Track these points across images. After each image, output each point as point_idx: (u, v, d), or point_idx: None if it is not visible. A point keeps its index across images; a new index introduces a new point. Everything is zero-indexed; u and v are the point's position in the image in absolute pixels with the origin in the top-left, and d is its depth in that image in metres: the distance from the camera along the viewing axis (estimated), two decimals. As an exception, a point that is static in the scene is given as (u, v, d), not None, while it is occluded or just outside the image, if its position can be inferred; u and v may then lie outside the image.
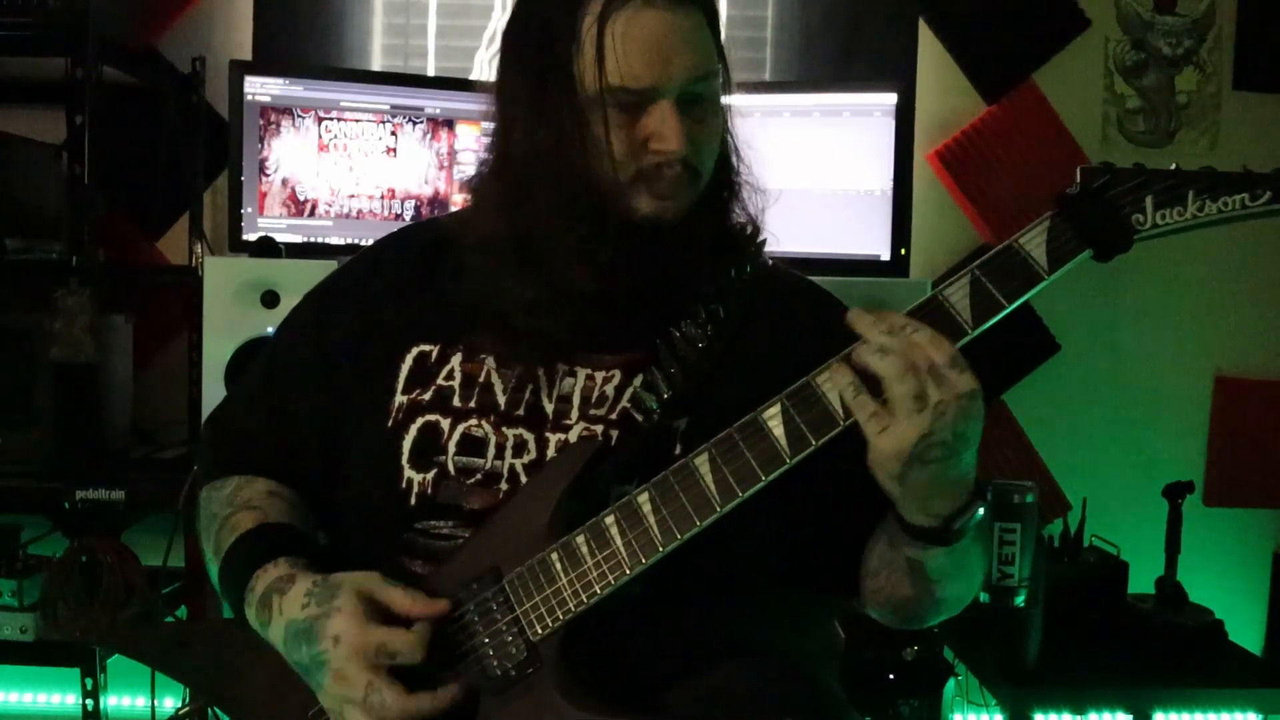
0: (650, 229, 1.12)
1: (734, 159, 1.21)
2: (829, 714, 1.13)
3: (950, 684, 2.26)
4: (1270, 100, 2.75)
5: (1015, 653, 2.07)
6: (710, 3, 1.14)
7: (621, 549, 1.02)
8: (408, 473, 1.13)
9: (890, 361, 0.93)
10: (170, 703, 2.37)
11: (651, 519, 1.02)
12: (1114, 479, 2.54)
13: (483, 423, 1.14)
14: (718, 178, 1.18)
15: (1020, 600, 2.09)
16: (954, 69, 2.74)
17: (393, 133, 2.31)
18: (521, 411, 1.14)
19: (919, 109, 2.48)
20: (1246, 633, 2.65)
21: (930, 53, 2.73)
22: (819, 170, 2.30)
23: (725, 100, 1.19)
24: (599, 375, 1.15)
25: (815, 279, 1.33)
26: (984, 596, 2.14)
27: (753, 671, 1.09)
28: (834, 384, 0.96)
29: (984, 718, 2.50)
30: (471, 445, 1.13)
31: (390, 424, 1.16)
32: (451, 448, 1.13)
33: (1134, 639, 2.21)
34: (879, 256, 2.28)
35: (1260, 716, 2.18)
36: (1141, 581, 2.31)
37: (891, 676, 2.14)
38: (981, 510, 1.00)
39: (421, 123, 2.33)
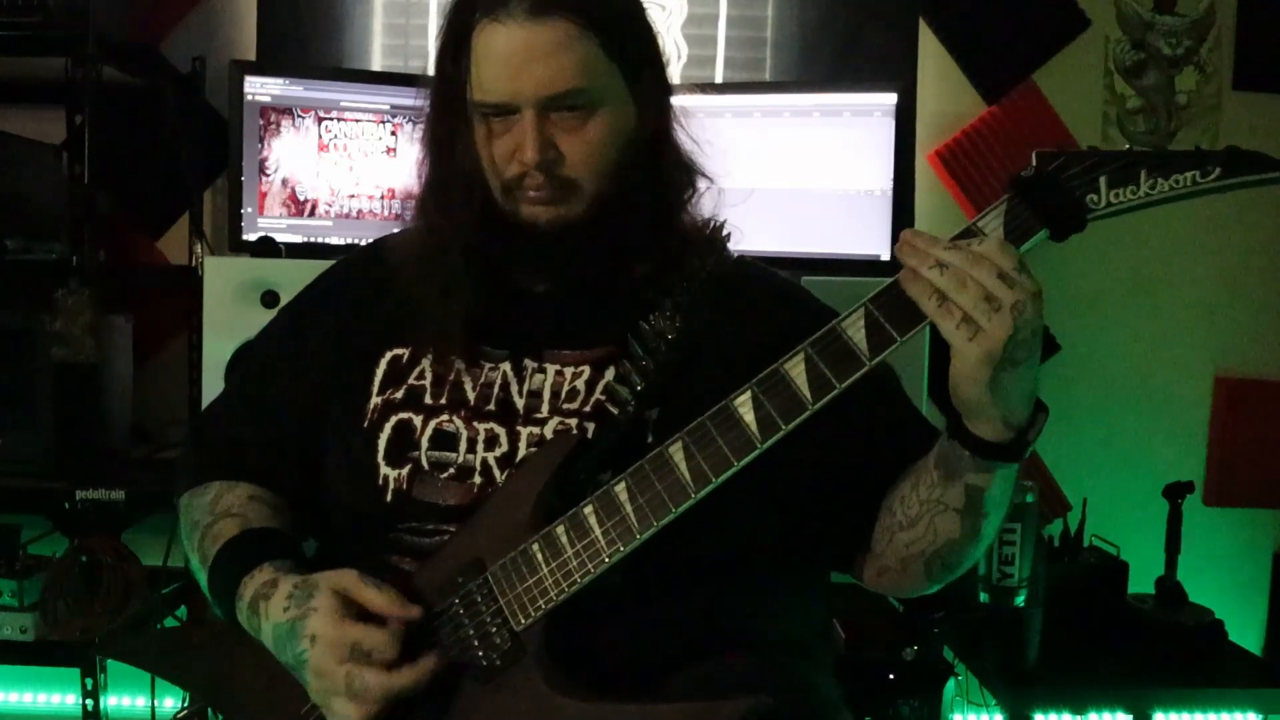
0: (548, 231, 1.15)
1: (670, 159, 1.21)
2: (811, 702, 1.13)
3: (950, 684, 2.26)
4: (1270, 100, 2.75)
5: (1015, 653, 2.07)
6: (589, 12, 1.12)
7: (600, 537, 1.05)
8: (383, 470, 1.16)
9: (950, 275, 0.95)
10: (170, 703, 2.37)
11: (628, 507, 1.04)
12: (1114, 479, 2.54)
13: (454, 418, 1.17)
14: (637, 178, 1.18)
15: (1020, 600, 2.08)
16: (954, 69, 2.74)
17: (393, 133, 2.31)
18: (492, 406, 1.17)
19: (919, 109, 2.49)
20: (1246, 633, 2.65)
21: (930, 53, 2.73)
22: (819, 170, 2.29)
23: (716, 98, 1.21)
24: (568, 371, 1.17)
25: (815, 279, 1.34)
26: (984, 596, 2.15)
27: (735, 662, 1.10)
28: (914, 294, 0.97)
29: (984, 718, 2.50)
30: (444, 440, 1.16)
31: (366, 424, 1.19)
32: (424, 443, 1.16)
33: (1134, 639, 2.21)
34: (879, 256, 2.28)
35: (1260, 716, 2.18)
36: (1141, 581, 2.31)
37: (891, 676, 2.14)
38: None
39: (421, 123, 2.32)
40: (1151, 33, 2.76)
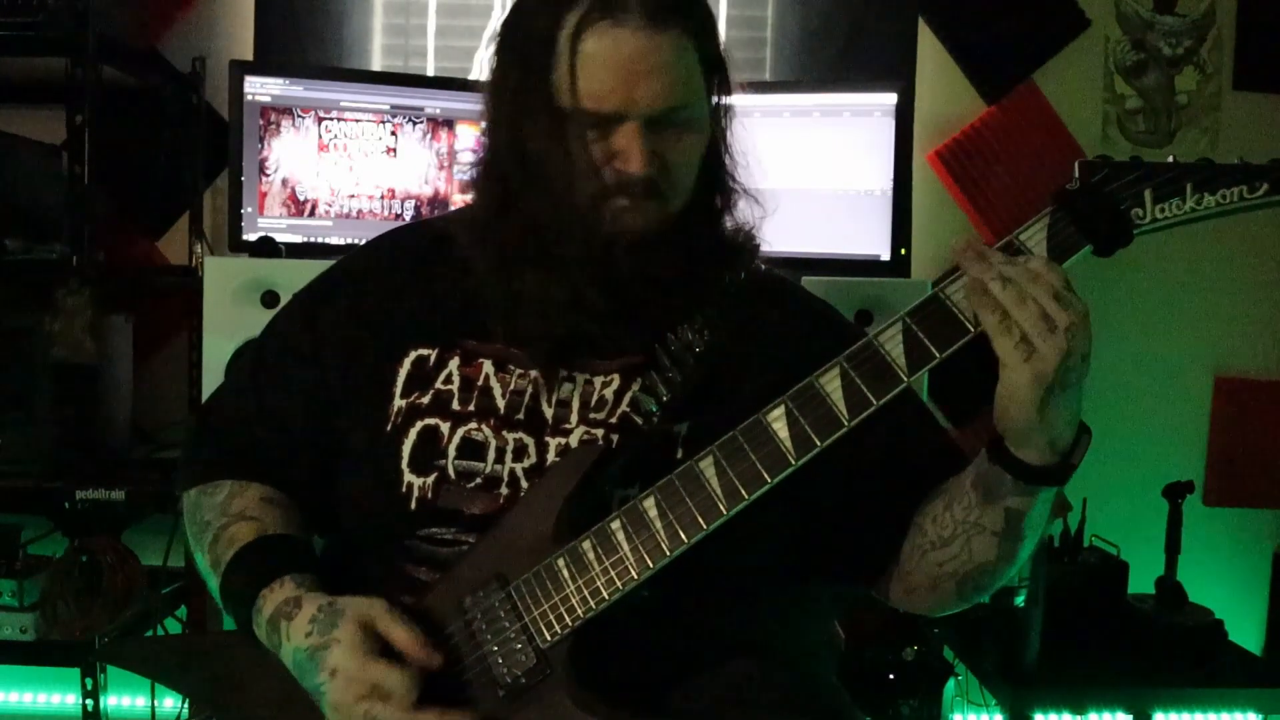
0: (632, 241, 1.11)
1: (728, 167, 1.20)
2: (837, 713, 1.13)
3: (950, 684, 2.26)
4: (1270, 100, 2.75)
5: (1015, 653, 2.08)
6: (698, 20, 1.10)
7: (629, 554, 1.02)
8: (408, 477, 1.13)
9: (1012, 291, 0.93)
10: (170, 703, 2.37)
11: (658, 523, 1.02)
12: (1114, 479, 2.53)
13: (483, 426, 1.13)
14: (706, 187, 1.17)
15: (1020, 600, 2.09)
16: (954, 69, 2.74)
17: (393, 133, 2.31)
18: (521, 415, 1.14)
19: (919, 109, 2.48)
20: (1246, 633, 2.65)
21: (930, 53, 2.73)
22: (819, 170, 2.29)
23: (730, 100, 1.19)
24: (597, 380, 1.15)
25: (815, 279, 1.33)
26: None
27: (760, 671, 1.09)
28: (979, 306, 0.94)
29: (984, 718, 2.50)
30: (472, 449, 1.13)
31: (389, 428, 1.15)
32: (451, 451, 1.13)
33: (1134, 639, 2.21)
34: (879, 256, 2.28)
35: (1260, 716, 2.18)
36: (1141, 581, 2.31)
37: (891, 676, 2.14)
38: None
39: (421, 123, 2.33)
40: (1151, 33, 2.76)
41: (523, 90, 1.10)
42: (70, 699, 2.62)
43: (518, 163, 1.12)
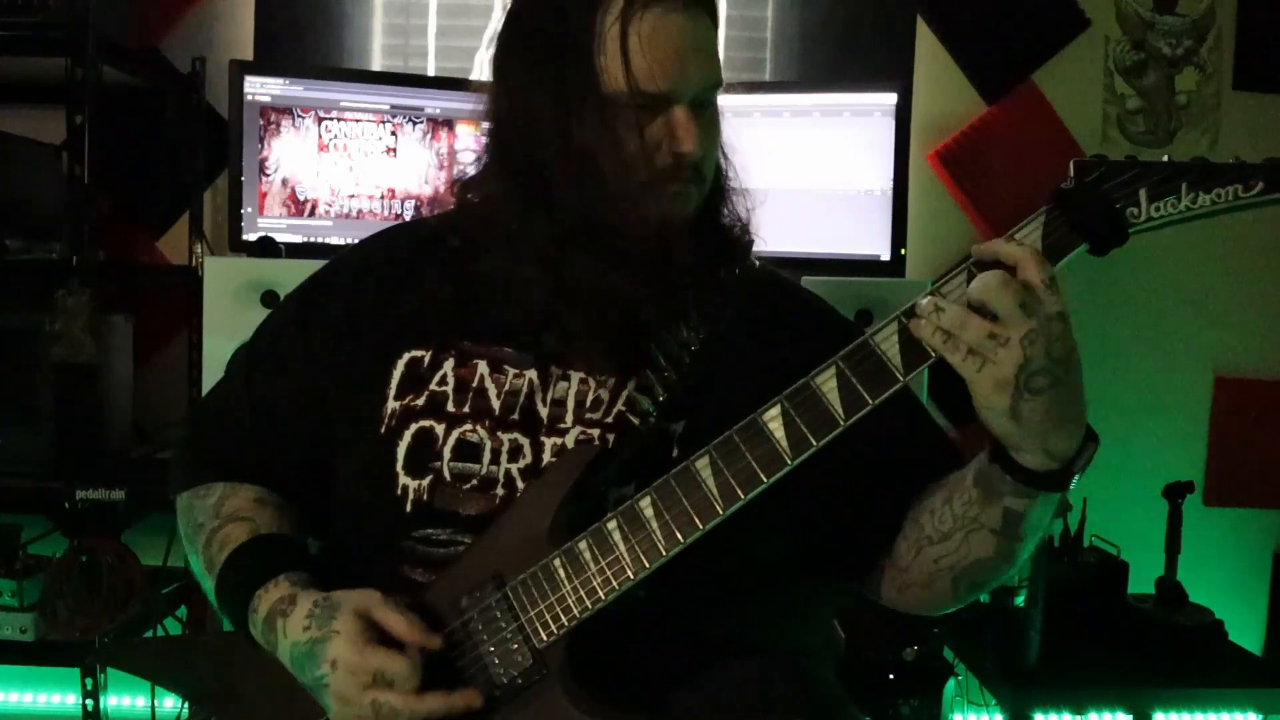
0: (655, 233, 1.10)
1: (723, 162, 1.21)
2: (834, 712, 1.13)
3: (950, 684, 2.26)
4: (1270, 100, 2.75)
5: (1015, 653, 2.08)
6: (715, 10, 1.15)
7: (625, 554, 1.02)
8: (403, 480, 1.12)
9: (950, 316, 0.93)
10: (170, 703, 2.37)
11: (654, 523, 1.02)
12: (1114, 479, 2.53)
13: (478, 428, 1.13)
14: (714, 182, 1.18)
15: (1020, 600, 2.09)
16: (954, 69, 2.74)
17: (393, 133, 2.31)
18: (516, 416, 1.13)
19: (918, 109, 2.48)
20: (1246, 633, 2.65)
21: (930, 53, 2.73)
22: (819, 170, 2.30)
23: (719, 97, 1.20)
24: (592, 380, 1.14)
25: (815, 279, 1.33)
26: (984, 596, 2.15)
27: (758, 670, 1.08)
28: (921, 334, 0.95)
29: (984, 718, 2.50)
30: (467, 450, 1.13)
31: (384, 430, 1.15)
32: (447, 453, 1.13)
33: (1134, 639, 2.22)
34: (879, 256, 2.28)
35: (1260, 716, 2.18)
36: (1141, 581, 2.31)
37: (891, 676, 2.14)
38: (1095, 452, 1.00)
39: (421, 123, 2.33)
40: (1151, 33, 2.76)
41: (560, 80, 1.09)
42: (70, 699, 2.62)
43: (559, 155, 1.09)
